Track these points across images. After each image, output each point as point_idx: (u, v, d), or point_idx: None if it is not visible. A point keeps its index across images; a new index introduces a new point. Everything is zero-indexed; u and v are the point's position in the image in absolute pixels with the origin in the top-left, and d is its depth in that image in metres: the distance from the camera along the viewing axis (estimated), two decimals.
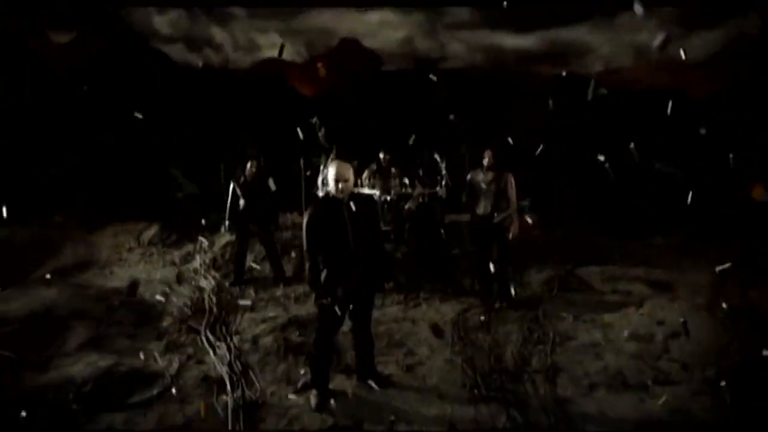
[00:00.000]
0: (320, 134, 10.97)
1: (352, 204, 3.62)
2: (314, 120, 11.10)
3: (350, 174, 3.65)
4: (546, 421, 3.51)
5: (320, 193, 8.63)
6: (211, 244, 8.65)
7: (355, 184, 8.44)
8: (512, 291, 5.89)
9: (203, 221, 9.90)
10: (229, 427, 3.43)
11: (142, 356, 4.40)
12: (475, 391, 3.89)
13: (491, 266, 5.70)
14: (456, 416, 3.57)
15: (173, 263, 8.02)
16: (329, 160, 8.36)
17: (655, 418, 3.51)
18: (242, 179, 6.54)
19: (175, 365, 4.32)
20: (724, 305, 4.78)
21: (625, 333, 4.80)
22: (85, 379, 3.95)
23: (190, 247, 8.77)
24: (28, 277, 7.53)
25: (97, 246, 9.32)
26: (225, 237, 8.45)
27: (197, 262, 7.75)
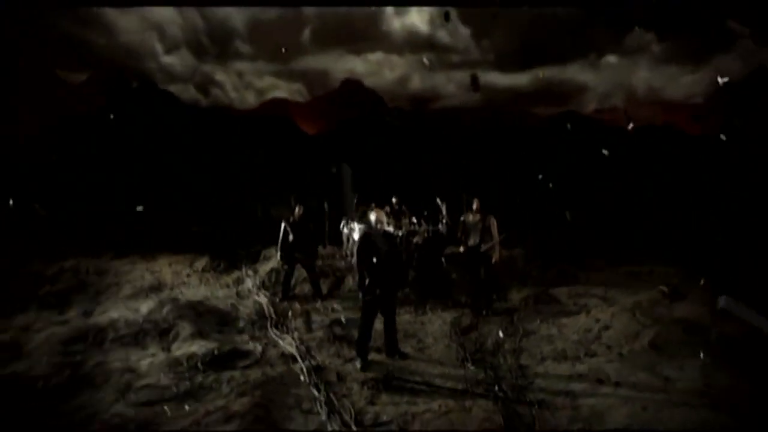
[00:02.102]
0: (341, 181, 13.25)
1: (385, 238, 5.67)
2: (334, 169, 13.47)
3: (384, 218, 5.71)
4: (509, 377, 5.46)
5: (345, 230, 10.75)
6: (255, 271, 10.66)
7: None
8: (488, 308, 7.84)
9: (246, 252, 11.98)
10: (306, 380, 5.39)
11: (233, 344, 6.38)
12: (465, 362, 5.85)
13: (479, 284, 7.72)
14: (450, 374, 5.53)
15: (228, 285, 10.00)
16: (355, 205, 10.51)
17: (578, 375, 5.46)
18: (291, 219, 8.59)
19: (260, 348, 6.30)
20: (641, 310, 6.76)
21: (574, 328, 6.77)
22: (204, 353, 5.93)
23: (237, 273, 10.76)
24: (112, 297, 9.54)
25: (160, 273, 11.33)
26: (269, 264, 10.48)
27: (249, 283, 9.74)
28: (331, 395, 5.01)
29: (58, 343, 6.58)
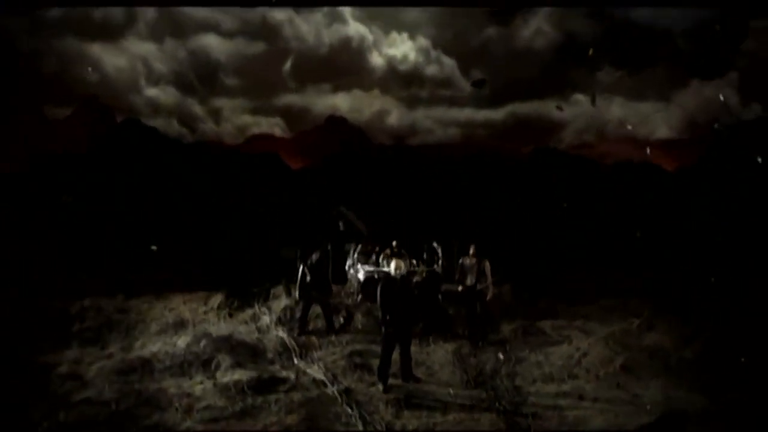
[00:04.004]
0: (341, 222, 14.54)
1: (401, 280, 6.86)
2: (335, 211, 14.68)
3: (402, 264, 6.90)
4: (507, 396, 6.61)
5: (351, 271, 11.89)
6: (269, 308, 11.67)
7: (376, 264, 11.70)
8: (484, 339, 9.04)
9: (257, 290, 12.96)
10: (339, 401, 6.47)
11: (269, 372, 7.44)
12: (468, 383, 7.00)
13: (475, 318, 8.94)
14: (458, 394, 6.67)
15: (246, 322, 10.99)
16: (356, 251, 11.64)
17: (563, 392, 6.64)
18: (309, 261, 9.74)
19: (293, 375, 7.36)
20: (614, 339, 8.02)
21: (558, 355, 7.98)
22: (249, 381, 6.97)
23: (251, 311, 11.73)
24: (143, 333, 10.46)
25: (178, 310, 12.25)
26: (282, 301, 11.53)
27: (266, 320, 10.76)
28: (363, 412, 6.10)
29: (113, 374, 7.55)
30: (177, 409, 6.26)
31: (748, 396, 6.52)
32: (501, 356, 8.02)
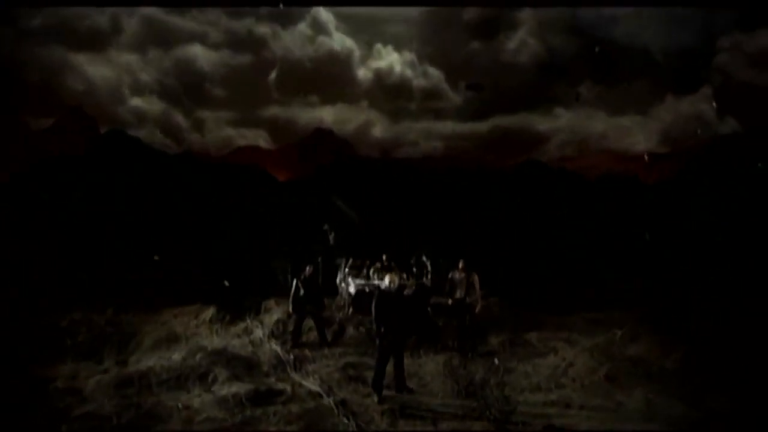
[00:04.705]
0: (330, 237, 14.75)
1: (395, 294, 7.13)
2: (325, 227, 14.89)
3: (396, 278, 7.17)
4: (497, 405, 6.88)
5: (343, 285, 12.10)
6: (262, 321, 11.83)
7: (367, 277, 11.93)
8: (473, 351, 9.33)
9: (248, 304, 13.09)
10: (336, 412, 6.68)
11: (266, 385, 7.63)
12: (459, 393, 7.26)
13: (465, 330, 9.23)
14: (450, 404, 6.92)
15: (238, 335, 11.14)
16: (346, 265, 11.86)
17: (551, 401, 6.92)
18: (302, 276, 9.96)
19: (289, 387, 7.55)
20: (598, 349, 8.35)
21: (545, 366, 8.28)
22: (246, 393, 7.15)
23: (243, 324, 11.87)
24: (138, 347, 10.56)
25: (169, 325, 12.33)
26: (274, 315, 11.69)
27: (259, 333, 10.92)
28: (359, 422, 6.32)
29: (110, 388, 7.68)
30: (179, 410, 6.47)
31: (726, 403, 6.86)
32: (497, 361, 8.32)
